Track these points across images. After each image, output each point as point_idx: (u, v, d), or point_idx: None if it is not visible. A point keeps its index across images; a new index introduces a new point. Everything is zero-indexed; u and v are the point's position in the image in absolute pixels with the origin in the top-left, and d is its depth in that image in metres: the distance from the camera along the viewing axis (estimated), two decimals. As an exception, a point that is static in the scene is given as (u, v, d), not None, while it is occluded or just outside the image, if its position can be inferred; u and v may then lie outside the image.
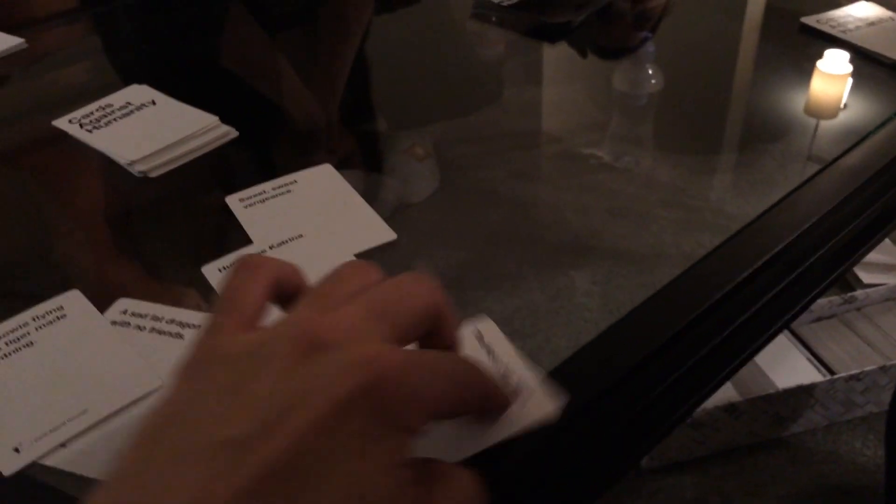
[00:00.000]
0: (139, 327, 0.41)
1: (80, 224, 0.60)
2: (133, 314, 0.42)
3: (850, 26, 0.73)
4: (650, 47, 0.80)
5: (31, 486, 0.34)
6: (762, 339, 0.48)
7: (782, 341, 1.45)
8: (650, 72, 0.73)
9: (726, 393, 1.32)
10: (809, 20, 0.74)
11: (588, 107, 0.73)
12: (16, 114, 0.71)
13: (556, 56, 0.79)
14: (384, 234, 0.49)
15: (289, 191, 0.53)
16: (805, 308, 0.52)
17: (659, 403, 0.42)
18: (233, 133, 0.60)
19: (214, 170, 0.60)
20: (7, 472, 0.34)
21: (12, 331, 0.41)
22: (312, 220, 0.50)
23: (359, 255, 0.47)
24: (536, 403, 0.33)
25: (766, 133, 0.65)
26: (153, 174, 0.56)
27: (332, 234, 0.49)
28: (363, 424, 0.23)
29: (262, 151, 0.65)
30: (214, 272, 0.46)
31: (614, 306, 0.44)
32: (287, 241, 0.48)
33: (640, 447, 0.43)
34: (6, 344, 0.40)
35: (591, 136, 0.65)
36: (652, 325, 0.43)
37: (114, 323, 0.42)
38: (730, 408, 1.27)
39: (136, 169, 0.56)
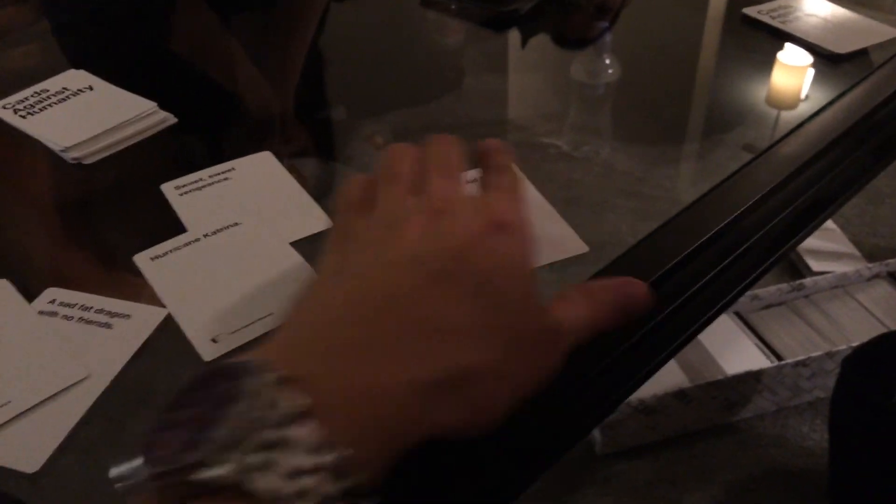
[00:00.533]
0: (67, 317, 0.41)
1: (27, 213, 0.58)
2: (61, 304, 0.42)
3: (790, 17, 0.74)
4: (608, 37, 0.80)
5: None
6: (701, 321, 0.49)
7: (732, 328, 1.48)
8: (608, 62, 0.74)
9: (677, 379, 1.34)
10: (751, 11, 0.75)
11: (548, 96, 0.73)
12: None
13: (515, 45, 0.79)
14: (321, 221, 0.48)
15: (227, 178, 0.52)
16: (743, 292, 0.53)
17: (600, 381, 0.42)
18: (171, 119, 0.59)
19: (154, 157, 0.59)
20: None
21: None
22: (249, 208, 0.49)
23: (294, 244, 0.46)
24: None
25: (725, 123, 0.66)
26: (88, 161, 0.55)
27: (269, 222, 0.48)
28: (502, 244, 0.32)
29: (208, 139, 0.65)
30: (146, 261, 0.45)
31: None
32: (223, 229, 0.47)
33: (582, 426, 0.44)
34: None
35: (551, 125, 0.65)
36: None
37: (41, 313, 0.41)
38: (680, 394, 1.29)
39: (71, 156, 0.55)
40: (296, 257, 0.45)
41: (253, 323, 0.40)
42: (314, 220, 0.49)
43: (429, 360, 0.28)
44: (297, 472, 0.24)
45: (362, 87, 0.73)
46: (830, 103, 0.61)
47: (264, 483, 0.23)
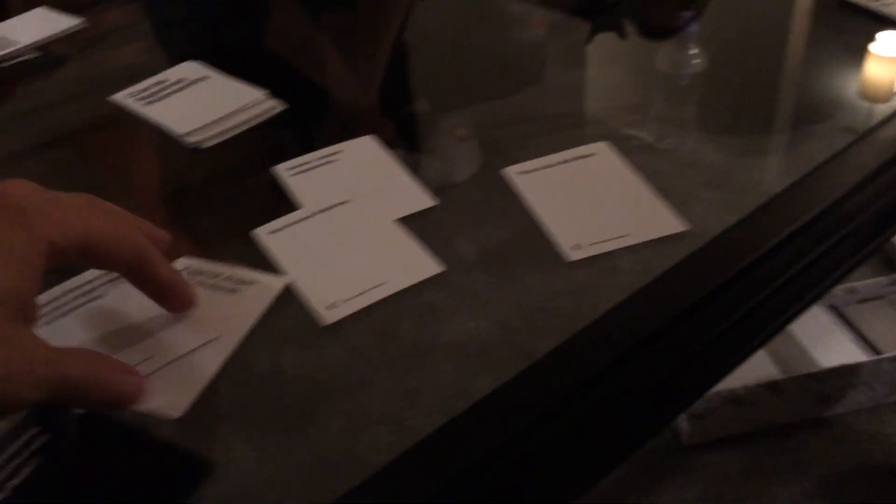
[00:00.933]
0: (199, 283, 0.44)
1: (136, 200, 0.63)
2: (193, 271, 0.45)
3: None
4: (694, 27, 0.79)
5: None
6: (794, 309, 0.49)
7: (827, 321, 1.44)
8: (693, 52, 0.73)
9: (769, 372, 1.32)
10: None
11: (631, 88, 0.73)
12: (75, 91, 0.74)
13: (598, 37, 0.79)
14: (425, 200, 0.51)
15: (334, 160, 0.55)
16: (838, 281, 0.52)
17: (691, 366, 0.43)
18: (280, 107, 0.62)
19: (263, 142, 0.63)
20: None
21: (83, 284, 0.44)
22: (356, 187, 0.52)
23: (401, 220, 0.49)
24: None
25: (815, 115, 0.65)
26: (205, 145, 0.58)
27: (375, 200, 0.51)
28: None
29: (308, 126, 0.68)
30: (265, 235, 0.48)
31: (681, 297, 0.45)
32: (334, 206, 0.50)
33: (670, 412, 0.44)
34: (75, 298, 0.43)
35: (634, 117, 0.65)
36: (681, 290, 0.44)
37: None
38: (773, 385, 1.27)
39: (189, 140, 0.59)
40: (400, 233, 0.48)
41: (368, 290, 0.43)
42: (416, 198, 0.51)
43: None
44: None
45: (445, 80, 0.74)
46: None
47: None
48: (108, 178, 0.63)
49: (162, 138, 0.60)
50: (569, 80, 0.73)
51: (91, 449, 0.38)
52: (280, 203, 0.52)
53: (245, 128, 0.60)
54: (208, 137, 0.59)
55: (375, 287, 0.43)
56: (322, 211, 0.50)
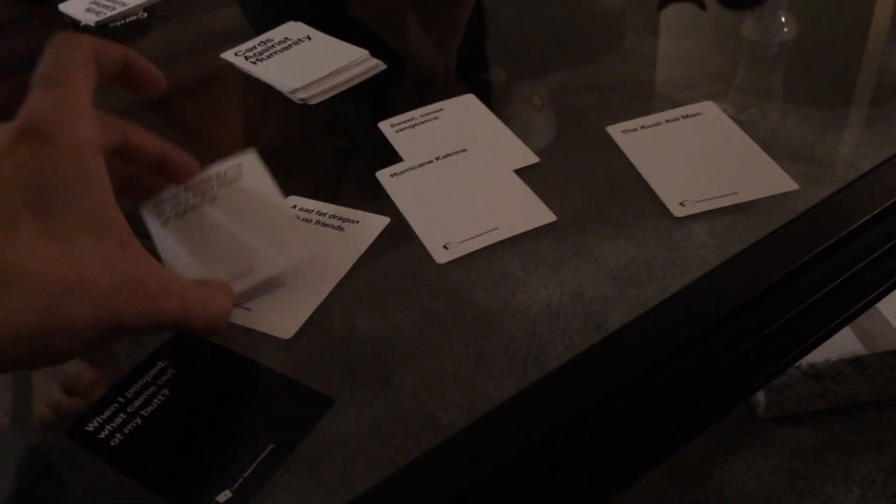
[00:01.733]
0: (306, 220, 0.47)
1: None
2: (301, 209, 0.48)
3: None
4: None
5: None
6: (881, 289, 0.48)
7: (916, 298, 1.40)
8: (783, 19, 0.72)
9: (851, 347, 1.29)
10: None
11: (713, 57, 0.72)
12: (184, 50, 0.78)
13: (679, 6, 0.78)
14: (530, 156, 0.52)
15: (436, 118, 0.57)
16: None
17: (768, 344, 0.43)
18: (381, 66, 0.64)
19: (367, 99, 0.65)
20: None
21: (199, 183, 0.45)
22: (460, 143, 0.54)
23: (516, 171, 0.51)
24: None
25: None
26: (312, 102, 0.61)
27: (489, 151, 0.53)
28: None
29: (406, 86, 0.69)
30: (387, 177, 0.51)
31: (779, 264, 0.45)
32: (453, 154, 0.53)
33: (750, 386, 0.44)
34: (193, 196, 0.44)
35: (715, 87, 0.64)
36: (762, 267, 0.43)
37: None
38: (855, 361, 1.24)
39: (298, 97, 0.61)
40: (518, 182, 0.50)
41: (480, 235, 0.45)
42: (522, 153, 0.53)
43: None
44: None
45: (522, 47, 0.74)
46: None
47: None
48: (219, 133, 0.66)
49: (271, 95, 0.63)
50: (649, 48, 0.73)
51: (217, 381, 0.40)
52: (386, 158, 0.54)
53: (350, 85, 0.63)
54: (316, 94, 0.61)
55: (489, 231, 0.45)
56: (441, 158, 0.52)
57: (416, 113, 0.58)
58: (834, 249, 0.45)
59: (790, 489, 1.21)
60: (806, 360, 1.23)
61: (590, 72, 0.69)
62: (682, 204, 0.48)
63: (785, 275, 0.43)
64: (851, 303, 0.46)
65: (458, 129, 0.55)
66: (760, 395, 1.29)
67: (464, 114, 0.57)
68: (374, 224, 0.47)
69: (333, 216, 0.47)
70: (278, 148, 0.63)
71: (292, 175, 0.57)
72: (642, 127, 0.54)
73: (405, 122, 0.57)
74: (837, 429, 1.29)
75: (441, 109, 0.58)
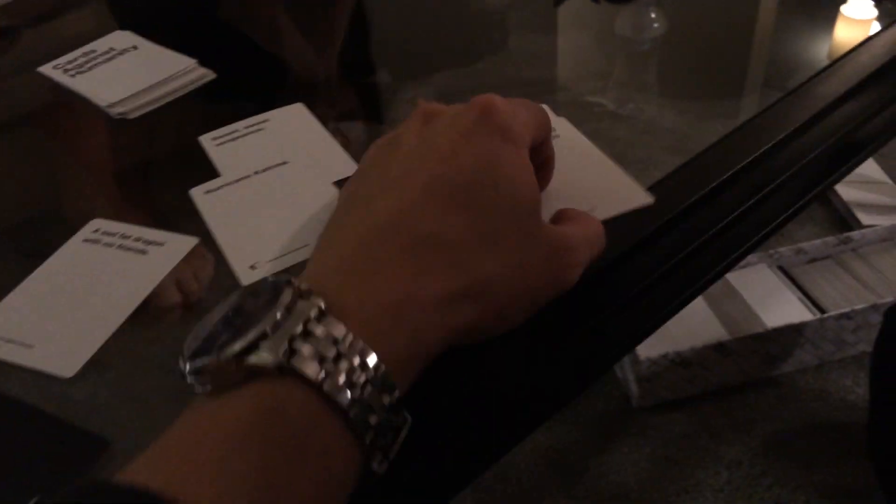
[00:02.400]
0: (107, 244, 0.44)
1: (87, 177, 0.62)
2: (104, 233, 0.45)
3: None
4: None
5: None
6: (730, 258, 0.48)
7: (774, 282, 1.47)
8: (653, 15, 0.73)
9: (716, 332, 1.34)
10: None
11: (593, 54, 0.73)
12: (20, 63, 0.73)
13: (570, 3, 0.79)
14: (350, 167, 0.51)
15: (261, 129, 0.55)
16: (774, 231, 0.53)
17: (622, 317, 0.43)
18: (210, 75, 0.61)
19: (195, 112, 0.62)
20: None
21: None
22: (286, 154, 0.52)
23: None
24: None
25: (780, 79, 0.65)
26: (131, 116, 0.58)
27: (311, 163, 0.51)
28: (490, 137, 0.33)
29: (251, 99, 0.67)
30: (200, 195, 0.48)
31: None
32: (272, 167, 0.50)
33: (604, 360, 0.44)
34: None
35: (596, 83, 0.65)
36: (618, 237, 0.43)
37: (86, 241, 0.45)
38: (719, 347, 1.30)
39: (115, 111, 0.58)
40: (335, 193, 0.48)
41: (290, 252, 0.43)
42: (346, 166, 0.51)
43: (440, 276, 0.30)
44: (337, 355, 0.27)
45: (406, 49, 0.73)
46: (868, 40, 0.60)
47: (309, 366, 0.26)
48: (47, 151, 0.62)
49: (91, 110, 0.59)
50: (531, 47, 0.73)
51: None
52: (208, 172, 0.52)
53: (173, 97, 0.60)
54: (135, 108, 0.58)
55: (299, 248, 0.43)
56: (260, 172, 0.50)
57: (240, 124, 0.55)
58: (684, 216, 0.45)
59: (664, 476, 1.25)
60: (673, 348, 1.27)
61: (475, 71, 0.69)
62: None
63: (633, 246, 0.43)
64: (701, 274, 0.46)
65: (281, 141, 0.53)
66: (633, 386, 1.33)
67: (290, 124, 0.55)
68: (179, 245, 0.45)
69: (138, 238, 0.45)
70: (90, 166, 0.60)
71: (98, 195, 0.54)
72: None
73: (227, 134, 0.54)
74: (706, 412, 1.34)
75: (267, 120, 0.56)
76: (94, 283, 0.42)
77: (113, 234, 0.45)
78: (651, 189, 0.47)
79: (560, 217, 0.37)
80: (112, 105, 0.58)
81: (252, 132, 0.54)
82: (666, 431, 1.32)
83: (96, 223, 0.46)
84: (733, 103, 0.64)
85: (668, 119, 0.60)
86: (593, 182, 0.46)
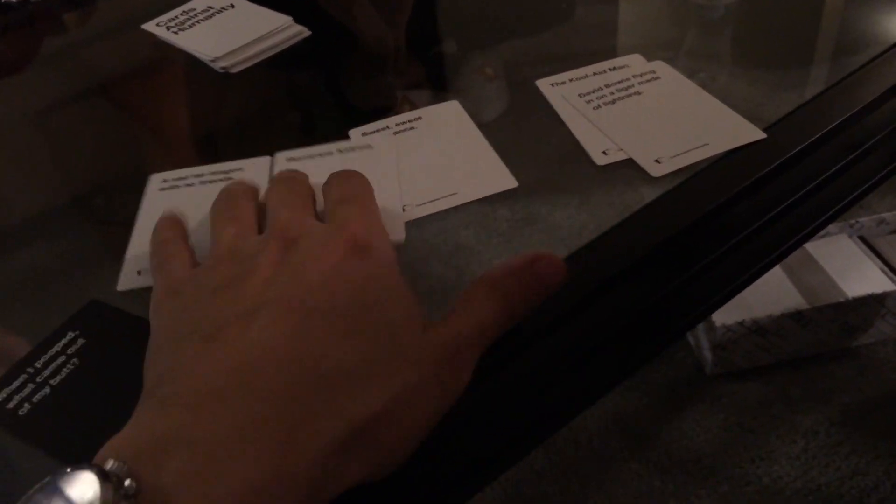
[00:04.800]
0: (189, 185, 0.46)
1: (167, 138, 0.65)
2: (175, 179, 0.47)
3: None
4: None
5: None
6: (813, 225, 0.48)
7: (855, 252, 1.44)
8: None
9: (795, 302, 1.32)
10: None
11: (663, 22, 0.72)
12: (110, 23, 0.76)
13: None
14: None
15: (413, 127, 0.51)
16: (859, 198, 0.52)
17: (705, 274, 0.44)
18: (305, 32, 0.63)
19: (291, 69, 0.64)
20: None
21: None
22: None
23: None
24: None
25: (857, 47, 0.63)
26: (234, 70, 0.60)
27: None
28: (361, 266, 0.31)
29: (336, 57, 0.69)
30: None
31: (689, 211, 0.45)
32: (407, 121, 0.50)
33: (682, 325, 0.45)
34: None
35: (666, 52, 0.64)
36: (691, 202, 0.43)
37: (161, 190, 0.46)
38: (797, 315, 1.28)
39: (219, 65, 0.60)
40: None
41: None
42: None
43: (324, 419, 0.26)
44: None
45: (473, 19, 0.73)
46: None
47: None
48: (145, 107, 0.65)
49: (193, 65, 0.62)
50: (600, 16, 0.72)
51: (128, 349, 0.40)
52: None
53: (272, 52, 0.62)
54: (238, 62, 0.60)
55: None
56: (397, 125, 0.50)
57: (391, 121, 0.51)
58: (762, 183, 0.45)
59: (737, 442, 1.25)
60: (750, 316, 1.26)
61: (542, 41, 0.69)
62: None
63: (708, 212, 0.42)
64: (782, 241, 0.46)
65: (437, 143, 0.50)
66: (707, 353, 1.32)
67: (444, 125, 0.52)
68: (259, 165, 0.46)
69: (213, 172, 0.46)
70: (200, 120, 0.62)
71: (212, 147, 0.56)
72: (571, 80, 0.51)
73: (380, 130, 0.50)
74: (783, 382, 1.32)
75: (419, 118, 0.52)
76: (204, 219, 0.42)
77: (184, 178, 0.46)
78: (734, 152, 0.46)
79: (457, 304, 0.32)
80: (216, 59, 0.60)
81: (404, 129, 0.51)
82: (739, 399, 1.31)
83: (159, 176, 0.47)
84: (809, 73, 0.63)
85: (741, 88, 0.58)
86: (703, 120, 0.46)
